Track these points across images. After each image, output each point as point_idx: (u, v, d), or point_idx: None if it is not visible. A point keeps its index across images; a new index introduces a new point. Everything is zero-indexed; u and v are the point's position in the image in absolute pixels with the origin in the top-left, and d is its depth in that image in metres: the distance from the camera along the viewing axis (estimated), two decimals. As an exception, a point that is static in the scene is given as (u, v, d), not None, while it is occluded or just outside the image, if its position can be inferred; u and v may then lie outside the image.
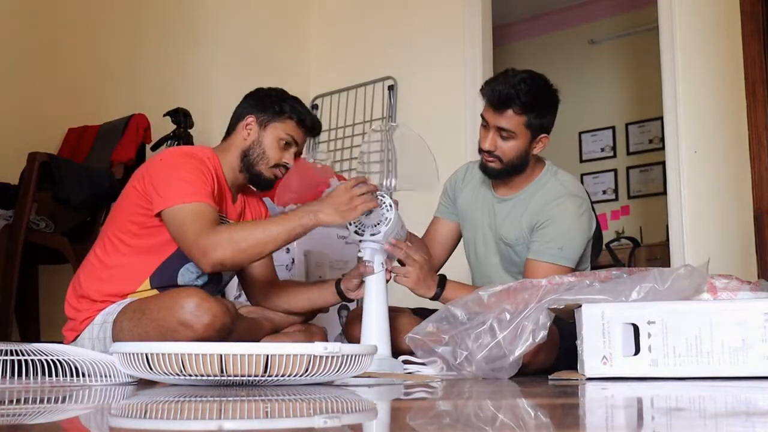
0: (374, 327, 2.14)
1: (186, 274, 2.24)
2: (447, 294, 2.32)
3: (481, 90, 2.39)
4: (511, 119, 2.32)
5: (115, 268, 2.21)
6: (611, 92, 6.70)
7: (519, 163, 2.40)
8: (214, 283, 2.32)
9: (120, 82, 3.80)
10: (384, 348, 2.11)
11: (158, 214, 2.15)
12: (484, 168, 2.45)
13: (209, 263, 2.06)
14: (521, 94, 2.29)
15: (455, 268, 2.69)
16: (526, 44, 7.03)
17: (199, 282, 2.27)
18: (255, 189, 2.42)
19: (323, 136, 4.58)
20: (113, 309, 2.16)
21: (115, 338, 2.08)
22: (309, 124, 2.35)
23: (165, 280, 2.21)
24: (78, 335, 2.19)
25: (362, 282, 2.27)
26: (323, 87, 4.66)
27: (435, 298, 2.34)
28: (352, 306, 3.78)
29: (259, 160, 2.30)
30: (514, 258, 2.47)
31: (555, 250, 2.34)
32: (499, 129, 2.34)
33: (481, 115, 2.40)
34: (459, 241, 2.68)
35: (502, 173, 2.43)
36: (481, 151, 2.41)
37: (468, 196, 2.61)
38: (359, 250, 2.22)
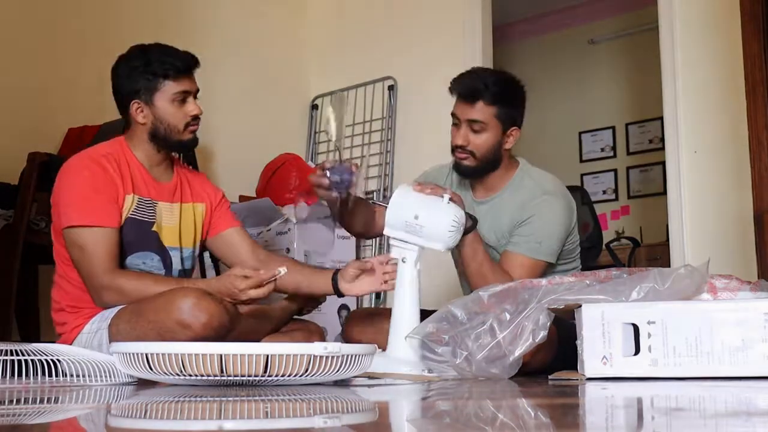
0: (406, 329, 2.07)
1: (142, 267, 2.24)
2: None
3: (450, 86, 2.43)
4: (482, 110, 2.37)
5: (79, 288, 2.21)
6: (611, 92, 6.69)
7: (492, 158, 2.42)
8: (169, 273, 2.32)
9: (120, 82, 3.79)
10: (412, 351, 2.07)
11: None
12: (458, 167, 2.45)
13: (99, 301, 2.15)
14: (490, 85, 2.37)
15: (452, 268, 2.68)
16: (526, 44, 7.01)
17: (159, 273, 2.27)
18: (184, 151, 2.37)
19: (323, 136, 4.57)
20: (105, 315, 2.16)
21: (113, 342, 2.08)
22: (183, 66, 2.23)
23: None
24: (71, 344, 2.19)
25: (360, 273, 2.24)
26: (323, 87, 4.65)
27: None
28: (353, 306, 3.78)
29: (169, 133, 2.24)
30: (496, 257, 2.45)
31: (534, 244, 2.36)
32: (471, 122, 2.38)
33: (452, 114, 2.43)
34: None
35: (477, 171, 2.44)
36: (453, 150, 2.43)
37: None
38: (390, 249, 2.18)
